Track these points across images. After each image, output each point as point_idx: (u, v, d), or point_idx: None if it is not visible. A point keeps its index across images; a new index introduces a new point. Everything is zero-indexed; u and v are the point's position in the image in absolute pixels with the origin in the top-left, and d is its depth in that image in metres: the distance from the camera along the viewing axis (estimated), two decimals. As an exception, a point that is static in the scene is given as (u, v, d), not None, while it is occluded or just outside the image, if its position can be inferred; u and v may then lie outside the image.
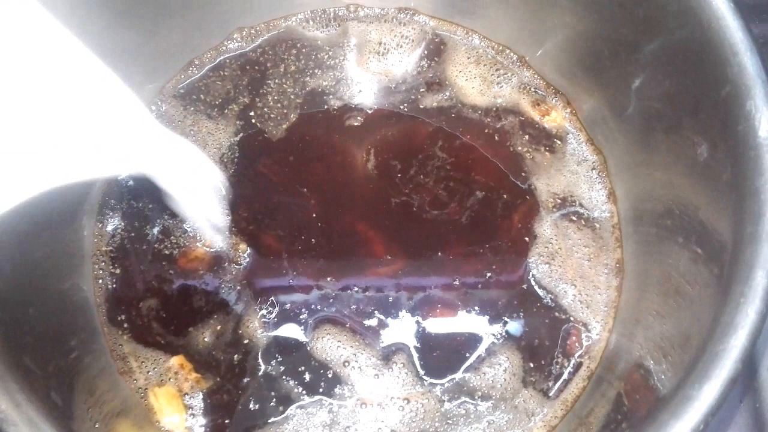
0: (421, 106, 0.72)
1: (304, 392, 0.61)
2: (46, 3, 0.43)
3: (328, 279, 0.64)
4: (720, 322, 0.45)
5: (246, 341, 0.62)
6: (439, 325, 0.63)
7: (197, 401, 0.61)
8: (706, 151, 0.53)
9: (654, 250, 0.62)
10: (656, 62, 0.58)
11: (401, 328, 0.63)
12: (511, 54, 0.74)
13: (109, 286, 0.65)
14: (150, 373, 0.61)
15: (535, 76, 0.73)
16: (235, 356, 0.62)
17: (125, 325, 0.64)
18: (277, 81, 0.73)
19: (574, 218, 0.68)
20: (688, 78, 0.54)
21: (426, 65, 0.74)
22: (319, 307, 0.63)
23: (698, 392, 0.43)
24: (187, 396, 0.61)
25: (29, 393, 0.44)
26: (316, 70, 0.74)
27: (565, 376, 0.63)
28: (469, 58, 0.74)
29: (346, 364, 0.61)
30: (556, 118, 0.71)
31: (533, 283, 0.65)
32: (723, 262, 0.49)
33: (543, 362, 0.63)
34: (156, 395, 0.60)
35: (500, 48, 0.74)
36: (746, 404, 0.67)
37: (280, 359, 0.62)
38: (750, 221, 0.46)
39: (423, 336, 0.63)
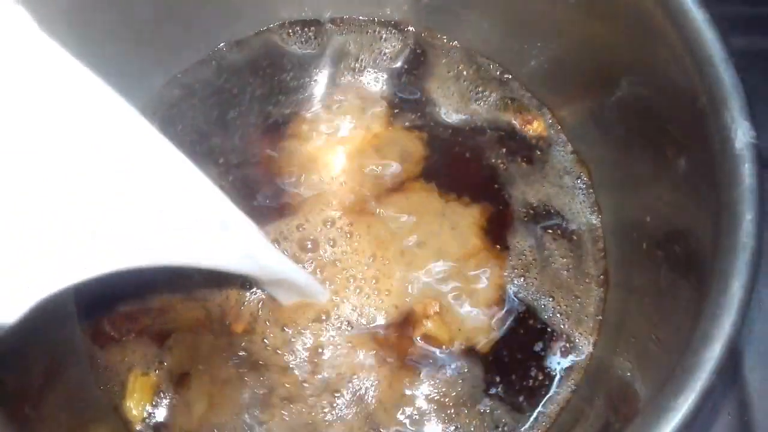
0: (402, 119, 0.71)
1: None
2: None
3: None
4: (696, 333, 0.45)
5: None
6: (404, 345, 0.63)
7: (166, 400, 0.61)
8: (684, 163, 0.53)
9: (637, 262, 0.62)
10: (635, 75, 0.58)
11: (369, 346, 0.63)
12: (495, 65, 0.74)
13: (90, 296, 0.64)
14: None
15: (520, 87, 0.73)
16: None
17: (105, 333, 0.63)
18: (248, 105, 0.71)
19: (552, 229, 0.67)
20: (666, 90, 0.54)
21: (405, 77, 0.73)
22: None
23: (673, 403, 0.43)
24: (161, 393, 0.61)
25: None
26: (286, 92, 0.72)
27: (546, 390, 0.62)
28: (449, 72, 0.73)
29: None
30: (538, 127, 0.71)
31: (510, 295, 0.64)
32: (701, 274, 0.49)
33: (523, 379, 0.62)
34: (135, 378, 0.61)
35: (484, 59, 0.74)
36: (734, 418, 0.66)
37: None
38: (726, 232, 0.46)
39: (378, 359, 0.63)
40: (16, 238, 0.38)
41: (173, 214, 0.45)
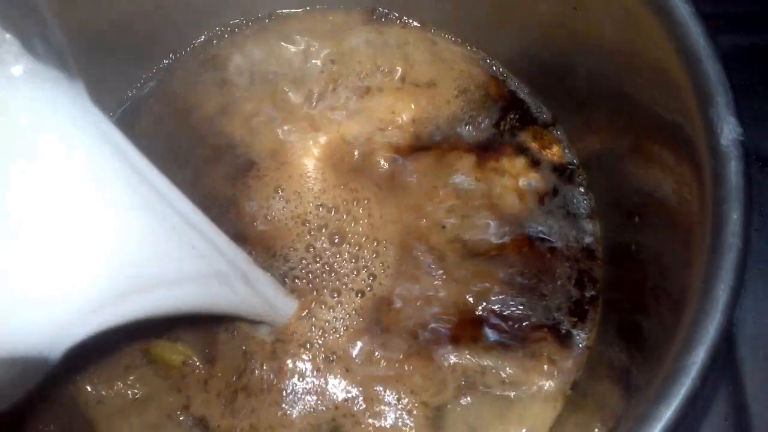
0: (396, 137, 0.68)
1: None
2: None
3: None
4: (679, 337, 0.43)
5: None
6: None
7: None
8: (672, 162, 0.52)
9: (626, 262, 0.61)
10: (622, 71, 0.57)
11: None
12: (481, 53, 0.71)
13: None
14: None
15: (511, 82, 0.71)
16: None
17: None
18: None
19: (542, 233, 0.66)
20: (653, 86, 0.53)
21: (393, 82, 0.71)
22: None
23: (654, 411, 0.42)
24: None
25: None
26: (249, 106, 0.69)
27: (542, 382, 0.61)
28: (456, 81, 0.70)
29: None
30: (557, 153, 0.68)
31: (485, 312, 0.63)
32: (686, 276, 0.47)
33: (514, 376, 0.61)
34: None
35: (468, 48, 0.71)
36: (731, 423, 0.65)
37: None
38: (711, 232, 0.45)
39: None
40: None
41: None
